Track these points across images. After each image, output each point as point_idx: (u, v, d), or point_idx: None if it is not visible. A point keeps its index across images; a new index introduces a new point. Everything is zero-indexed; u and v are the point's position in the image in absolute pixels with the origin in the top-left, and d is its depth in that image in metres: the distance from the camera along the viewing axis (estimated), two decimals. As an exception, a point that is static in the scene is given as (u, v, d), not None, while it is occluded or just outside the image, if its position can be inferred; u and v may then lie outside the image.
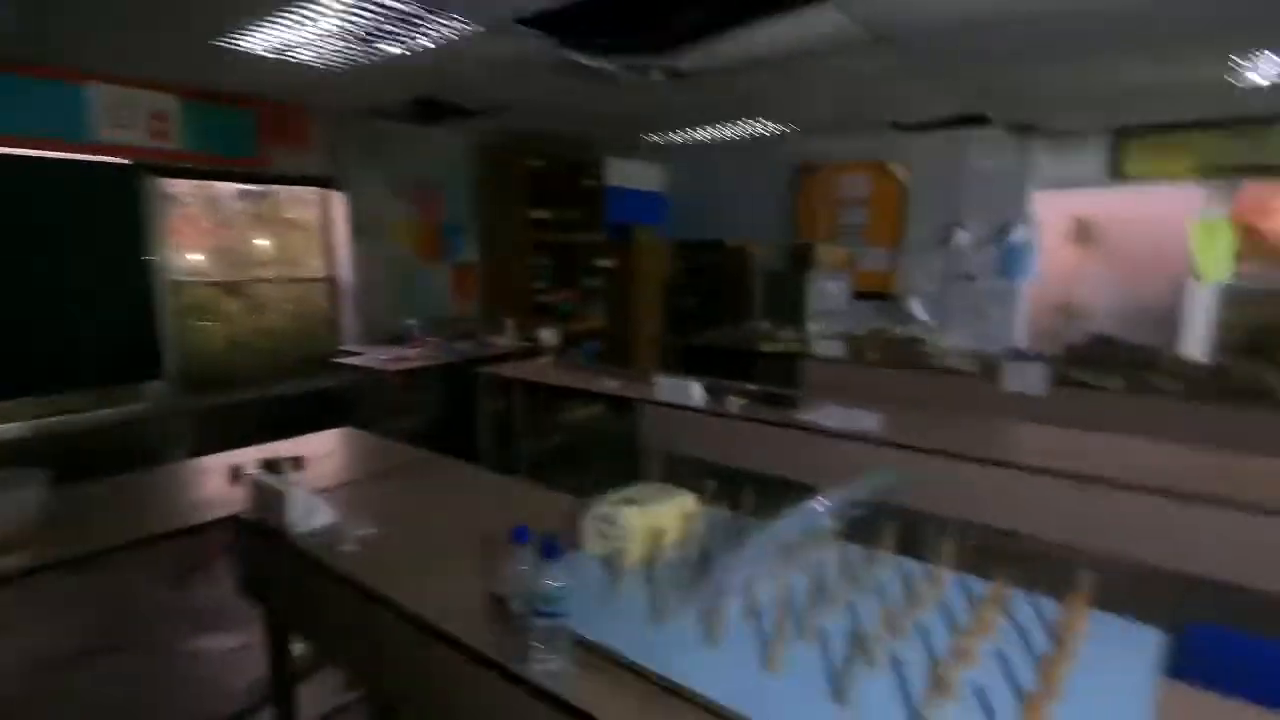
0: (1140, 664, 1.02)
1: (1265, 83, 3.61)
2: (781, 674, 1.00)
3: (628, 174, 6.44)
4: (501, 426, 3.95)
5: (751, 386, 3.08)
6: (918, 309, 5.46)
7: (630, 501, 1.42)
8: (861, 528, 1.36)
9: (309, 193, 4.75)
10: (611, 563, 1.34)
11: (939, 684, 0.91)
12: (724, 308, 5.98)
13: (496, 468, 2.78)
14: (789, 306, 5.63)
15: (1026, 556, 2.46)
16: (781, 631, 1.03)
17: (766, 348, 4.53)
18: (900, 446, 2.42)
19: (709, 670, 1.02)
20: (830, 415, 2.73)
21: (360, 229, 4.84)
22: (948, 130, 5.17)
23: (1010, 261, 5.33)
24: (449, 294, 5.36)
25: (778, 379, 4.09)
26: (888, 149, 5.77)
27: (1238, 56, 3.30)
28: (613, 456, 3.60)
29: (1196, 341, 4.87)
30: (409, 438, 2.60)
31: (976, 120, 4.85)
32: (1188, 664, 1.16)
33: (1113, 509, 2.09)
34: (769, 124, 5.04)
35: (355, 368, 4.16)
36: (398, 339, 4.63)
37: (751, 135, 5.46)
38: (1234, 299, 4.93)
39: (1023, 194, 5.37)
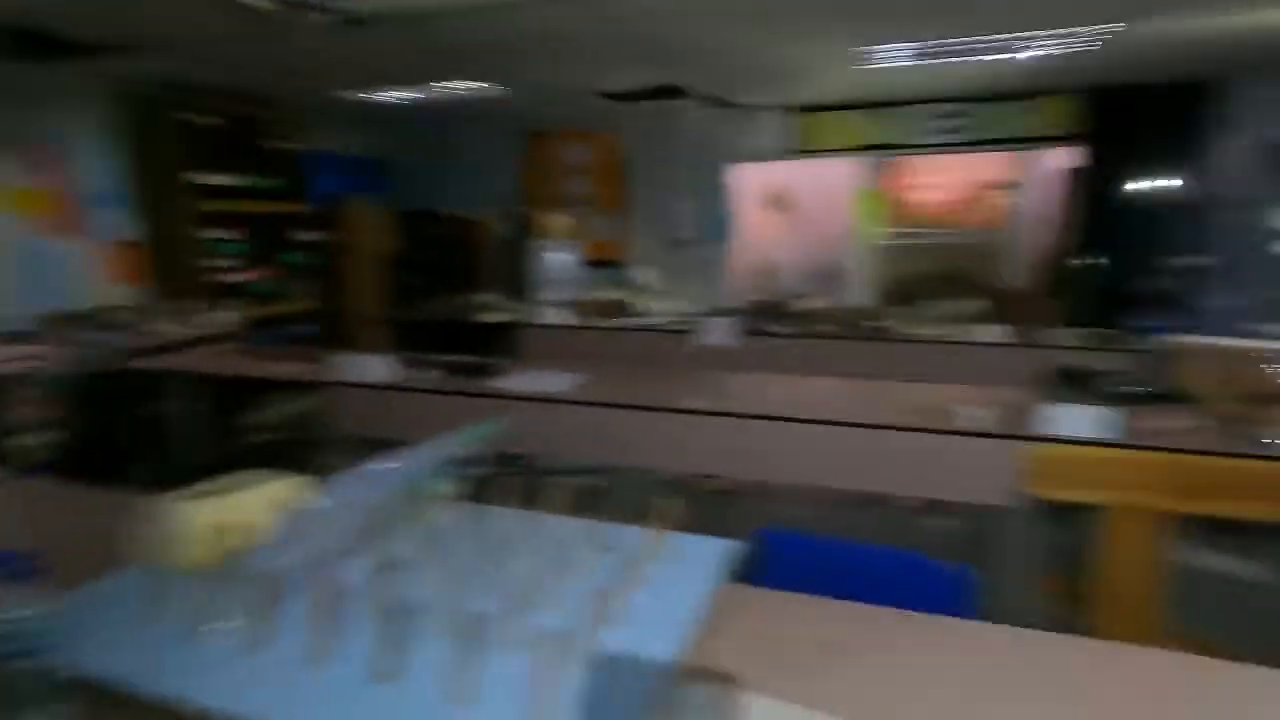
0: (703, 574, 1.08)
1: (884, 65, 4.24)
2: (328, 664, 0.89)
3: (336, 137, 5.83)
4: (168, 430, 3.34)
5: (451, 358, 2.93)
6: (640, 274, 5.72)
7: (204, 495, 1.20)
8: (511, 486, 1.30)
9: None
10: (166, 573, 1.12)
11: (471, 630, 0.86)
12: (454, 280, 5.73)
13: (153, 481, 2.30)
14: (519, 276, 5.56)
15: (682, 493, 2.68)
16: (332, 616, 0.92)
17: (489, 319, 4.42)
18: (585, 403, 2.46)
19: (250, 679, 0.87)
20: (525, 380, 2.69)
21: (-51, 197, 3.74)
22: (655, 101, 5.42)
23: (715, 228, 5.81)
24: (97, 277, 4.39)
25: (500, 350, 4.00)
26: (606, 118, 5.91)
27: (856, 47, 3.86)
28: (320, 450, 3.24)
29: (862, 292, 5.74)
30: (25, 456, 2.04)
31: (677, 93, 5.14)
32: (760, 566, 1.28)
33: (768, 440, 2.32)
34: (478, 85, 4.84)
35: (-52, 375, 3.22)
36: (16, 336, 3.68)
37: (469, 99, 5.22)
38: (887, 256, 5.91)
39: (723, 165, 5.86)
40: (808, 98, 5.43)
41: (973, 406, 2.21)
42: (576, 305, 4.53)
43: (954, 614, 1.14)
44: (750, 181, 5.97)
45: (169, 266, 4.56)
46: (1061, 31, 3.58)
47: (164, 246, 4.55)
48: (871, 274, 5.85)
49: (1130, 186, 4.54)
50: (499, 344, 4.22)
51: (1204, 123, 4.66)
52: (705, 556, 1.13)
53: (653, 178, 6.07)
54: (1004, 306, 3.88)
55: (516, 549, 1.14)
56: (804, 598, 1.16)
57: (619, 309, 4.48)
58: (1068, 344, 3.25)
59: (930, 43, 3.81)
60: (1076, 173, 4.83)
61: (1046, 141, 5.05)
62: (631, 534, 1.19)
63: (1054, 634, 1.14)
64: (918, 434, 2.13)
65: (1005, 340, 3.43)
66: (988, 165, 5.73)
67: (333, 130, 5.81)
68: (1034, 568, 2.17)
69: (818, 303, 4.03)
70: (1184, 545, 2.97)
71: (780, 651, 1.06)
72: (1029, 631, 1.12)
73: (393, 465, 1.05)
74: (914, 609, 1.15)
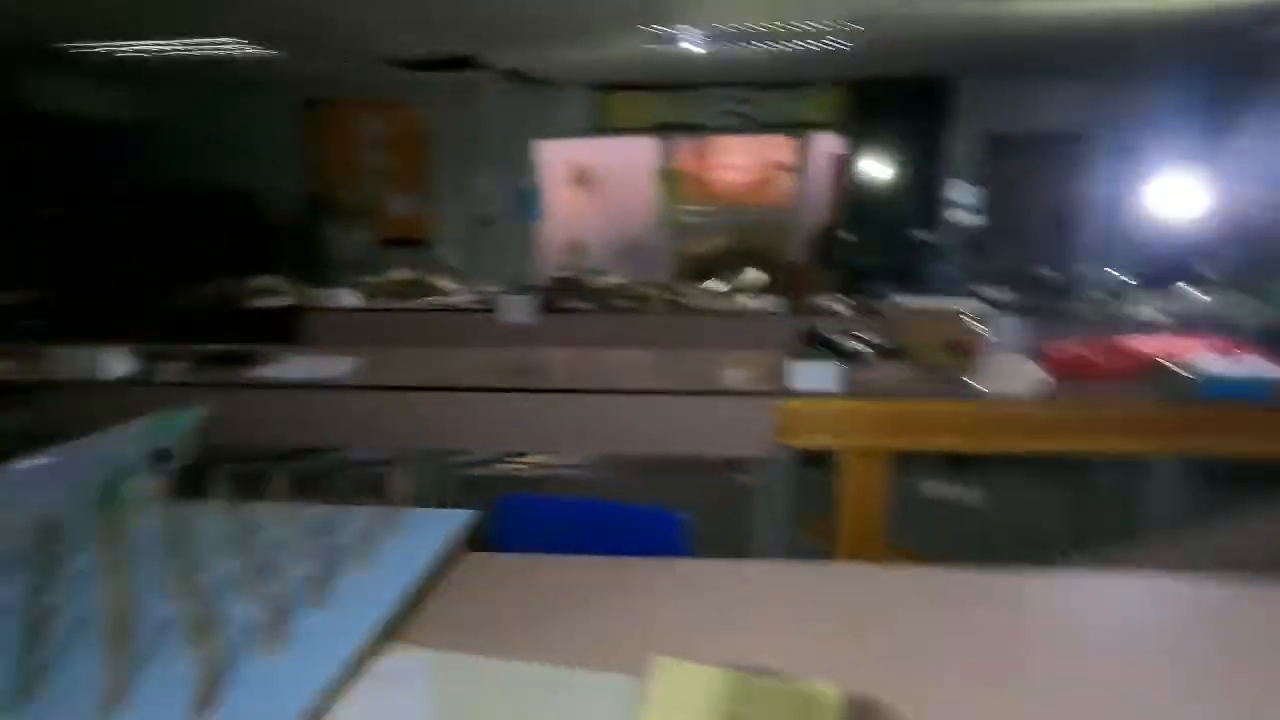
0: (428, 547, 1.07)
1: (698, 50, 4.42)
2: (-48, 696, 0.77)
3: (65, 98, 4.96)
4: None
5: (208, 348, 2.64)
6: (446, 253, 5.53)
7: None
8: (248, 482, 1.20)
9: None
10: None
11: (124, 634, 0.79)
12: (229, 262, 5.15)
13: None
14: (307, 256, 5.13)
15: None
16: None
17: (268, 303, 4.04)
18: (359, 388, 2.34)
19: None
20: (295, 367, 2.50)
21: None
22: (451, 73, 5.21)
23: (523, 205, 5.75)
24: None
25: (280, 335, 3.68)
26: (403, 89, 5.59)
27: (654, 29, 4.00)
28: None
29: (664, 267, 6.00)
30: None
31: (473, 64, 4.98)
32: (502, 531, 1.30)
33: (550, 412, 2.35)
34: (236, 42, 4.35)
35: None
36: None
37: (240, 59, 4.67)
38: (688, 232, 6.22)
39: (529, 141, 5.80)
40: (606, 76, 5.51)
41: (741, 369, 2.40)
42: (372, 286, 4.28)
43: (680, 555, 1.24)
44: (556, 159, 5.97)
45: None
46: (822, 25, 3.96)
47: None
48: (673, 250, 6.13)
49: (881, 170, 5.17)
50: (279, 330, 3.88)
51: (940, 115, 5.40)
52: (435, 530, 1.13)
53: (456, 153, 5.85)
54: (785, 278, 4.24)
55: (219, 545, 1.05)
56: (542, 557, 1.20)
57: (418, 289, 4.30)
58: (827, 310, 3.64)
59: (710, 26, 4.03)
60: (841, 157, 5.39)
61: (817, 128, 5.58)
62: (360, 515, 1.15)
63: (769, 561, 1.27)
64: (684, 397, 2.28)
65: (780, 309, 3.76)
66: (776, 148, 6.21)
67: (70, 88, 4.93)
68: (793, 509, 2.43)
69: (617, 279, 4.15)
70: (914, 478, 3.49)
71: (513, 611, 1.08)
72: (748, 561, 1.24)
73: (44, 463, 0.93)
74: (648, 555, 1.23)
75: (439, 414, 2.34)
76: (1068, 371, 2.32)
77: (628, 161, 6.05)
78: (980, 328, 2.40)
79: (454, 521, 1.15)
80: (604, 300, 3.90)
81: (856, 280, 4.11)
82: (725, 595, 1.14)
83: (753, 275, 4.13)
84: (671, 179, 6.00)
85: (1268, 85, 5.02)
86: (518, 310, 3.69)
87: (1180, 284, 3.60)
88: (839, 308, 3.71)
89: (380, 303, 4.11)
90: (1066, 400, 2.19)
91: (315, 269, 5.00)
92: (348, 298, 4.05)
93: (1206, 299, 3.43)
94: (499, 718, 0.84)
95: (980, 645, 0.97)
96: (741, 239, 6.15)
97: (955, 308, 2.51)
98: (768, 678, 0.88)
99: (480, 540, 1.36)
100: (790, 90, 5.58)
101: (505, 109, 5.65)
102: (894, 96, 5.36)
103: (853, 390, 2.22)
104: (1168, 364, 2.16)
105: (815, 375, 2.22)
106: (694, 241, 6.20)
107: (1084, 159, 5.17)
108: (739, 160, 6.45)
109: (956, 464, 3.55)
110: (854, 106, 5.40)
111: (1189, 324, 3.17)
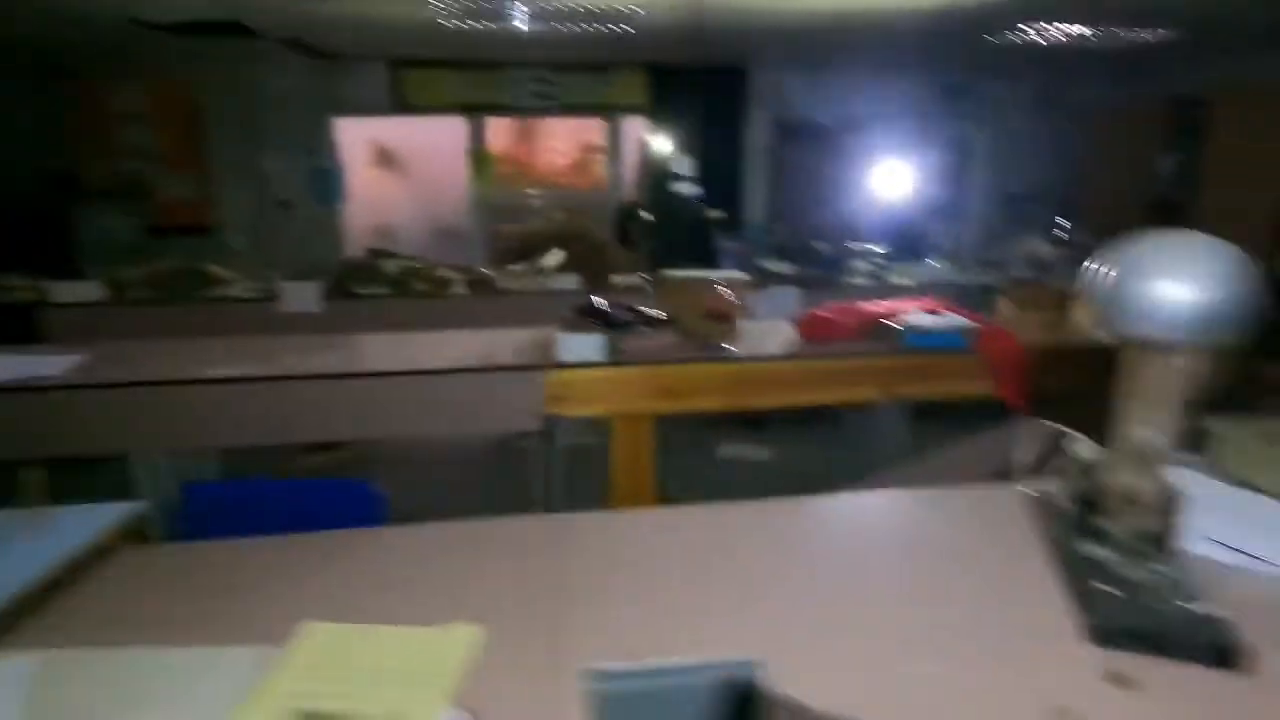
0: (58, 546, 0.98)
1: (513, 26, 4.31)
2: None
3: None
4: None
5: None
6: (234, 240, 5.05)
7: None
8: None
9: None
10: None
11: None
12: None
13: None
14: (55, 246, 4.47)
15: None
16: None
17: (-8, 300, 3.48)
18: (70, 387, 2.09)
19: None
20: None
21: None
22: (224, 41, 4.73)
23: (321, 187, 5.38)
24: None
25: (9, 336, 3.19)
26: (169, 58, 4.99)
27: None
28: None
29: (478, 251, 5.89)
30: None
31: (245, 31, 4.54)
32: (190, 522, 1.22)
33: (310, 399, 2.23)
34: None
35: None
36: None
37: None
38: (503, 214, 6.13)
39: (324, 119, 5.42)
40: (401, 52, 5.27)
41: (516, 345, 2.41)
42: (133, 277, 3.81)
43: (374, 524, 1.23)
44: (358, 138, 5.64)
45: None
46: (621, 9, 4.03)
47: None
48: (489, 232, 6.02)
49: (680, 153, 5.42)
50: (9, 329, 3.36)
51: (737, 102, 5.72)
52: (79, 528, 1.04)
53: (240, 131, 5.34)
54: (588, 257, 4.31)
55: None
56: (209, 543, 1.13)
57: (191, 280, 3.89)
58: (625, 287, 3.76)
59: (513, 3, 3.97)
60: (643, 140, 5.56)
61: (625, 111, 5.70)
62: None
63: (465, 520, 1.27)
64: (454, 375, 2.26)
65: (582, 288, 3.83)
66: (592, 131, 6.26)
67: None
68: (571, 477, 2.50)
69: (414, 262, 4.01)
70: (714, 442, 3.72)
71: (169, 600, 1.02)
72: (437, 524, 1.24)
73: None
74: (342, 528, 1.20)
75: (169, 409, 2.15)
76: (813, 333, 2.56)
77: (438, 142, 5.83)
78: (736, 297, 2.58)
79: (105, 517, 1.06)
80: (401, 285, 3.76)
81: (656, 257, 4.27)
82: (411, 557, 1.14)
83: (554, 256, 4.16)
84: (484, 161, 5.87)
85: (999, 85, 5.85)
86: (301, 299, 3.46)
87: (924, 255, 4.11)
88: (637, 284, 3.84)
89: (142, 295, 3.68)
90: (806, 358, 2.43)
91: (65, 259, 4.37)
92: (94, 291, 3.58)
93: (940, 267, 3.95)
94: (108, 709, 0.79)
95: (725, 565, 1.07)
96: (558, 220, 6.16)
97: (714, 279, 2.67)
98: (410, 627, 0.90)
99: (169, 532, 1.28)
100: (597, 73, 5.65)
101: (293, 83, 5.24)
102: (695, 83, 5.60)
103: (617, 359, 2.31)
104: (885, 322, 2.46)
105: (581, 346, 2.28)
106: (511, 224, 6.12)
107: (857, 145, 5.72)
108: (557, 143, 6.45)
109: (749, 426, 3.83)
110: (658, 91, 5.58)
111: (927, 289, 3.63)
